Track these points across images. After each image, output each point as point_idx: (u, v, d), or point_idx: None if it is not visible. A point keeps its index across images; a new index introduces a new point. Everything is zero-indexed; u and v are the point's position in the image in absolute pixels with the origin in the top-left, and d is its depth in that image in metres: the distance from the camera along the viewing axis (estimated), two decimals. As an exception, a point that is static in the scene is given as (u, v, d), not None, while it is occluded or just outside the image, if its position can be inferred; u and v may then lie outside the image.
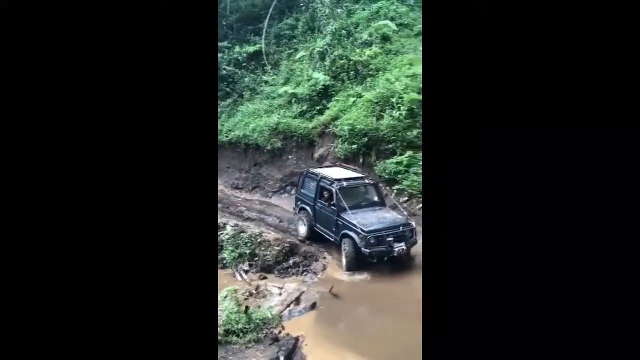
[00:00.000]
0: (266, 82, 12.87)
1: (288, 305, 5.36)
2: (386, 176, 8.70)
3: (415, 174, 8.38)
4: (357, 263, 6.56)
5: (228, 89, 12.93)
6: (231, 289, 5.28)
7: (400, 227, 6.61)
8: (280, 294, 5.76)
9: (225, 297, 4.99)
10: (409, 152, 8.64)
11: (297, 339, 4.54)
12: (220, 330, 4.32)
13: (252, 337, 4.42)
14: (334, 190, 7.09)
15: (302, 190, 8.26)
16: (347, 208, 6.84)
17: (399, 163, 8.63)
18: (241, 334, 4.42)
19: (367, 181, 7.65)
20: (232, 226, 7.80)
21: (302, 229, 7.89)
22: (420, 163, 8.42)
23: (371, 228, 6.46)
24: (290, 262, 7.01)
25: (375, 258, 6.50)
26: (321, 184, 7.57)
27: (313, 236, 7.62)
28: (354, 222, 6.56)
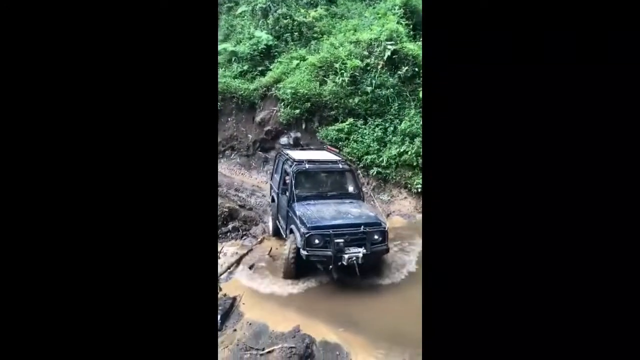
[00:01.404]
0: (204, 37, 12.02)
1: (228, 268, 5.35)
2: (328, 143, 8.78)
3: (355, 141, 8.56)
4: (298, 270, 5.02)
5: (161, 42, 11.87)
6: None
7: (362, 227, 4.88)
8: (219, 257, 5.72)
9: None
10: (350, 120, 8.75)
11: (234, 298, 4.62)
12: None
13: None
14: (290, 173, 5.75)
15: (274, 175, 6.92)
16: (296, 197, 5.52)
17: (340, 130, 8.73)
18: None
19: (339, 166, 5.99)
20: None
21: (269, 224, 6.66)
22: (360, 130, 8.61)
23: (316, 224, 4.91)
24: (230, 226, 6.94)
25: (319, 264, 4.96)
26: (284, 166, 6.17)
27: (279, 232, 6.20)
28: (299, 214, 5.16)
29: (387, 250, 5.22)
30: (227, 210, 7.20)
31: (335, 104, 8.88)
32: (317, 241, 4.86)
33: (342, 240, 4.84)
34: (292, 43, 10.50)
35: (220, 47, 11.05)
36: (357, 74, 8.94)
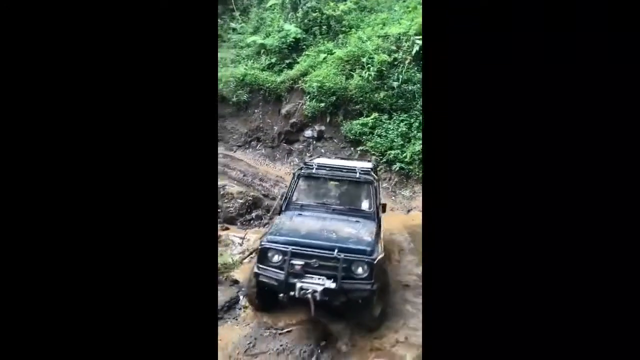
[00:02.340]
0: (234, 29, 12.24)
1: (250, 254, 5.54)
2: (351, 137, 8.83)
3: (379, 136, 8.57)
4: (265, 301, 3.99)
5: (193, 34, 12.17)
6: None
7: (336, 252, 3.60)
8: (241, 244, 5.92)
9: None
10: (375, 114, 8.76)
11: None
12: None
13: (213, 280, 4.57)
14: (294, 175, 4.87)
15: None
16: (292, 204, 4.63)
17: (364, 124, 8.76)
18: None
19: (357, 175, 4.69)
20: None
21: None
22: (385, 125, 8.61)
23: (279, 235, 3.88)
24: (253, 214, 7.13)
25: (270, 290, 3.80)
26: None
27: None
28: (275, 221, 4.37)
29: (372, 293, 3.65)
30: (251, 198, 7.40)
31: (361, 98, 8.90)
32: (274, 258, 3.75)
33: (301, 262, 3.61)
34: (320, 36, 10.55)
35: (249, 39, 11.26)
36: (384, 69, 8.92)
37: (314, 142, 9.43)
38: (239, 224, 6.91)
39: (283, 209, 4.74)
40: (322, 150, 9.23)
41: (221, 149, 10.51)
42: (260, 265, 3.82)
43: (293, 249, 3.72)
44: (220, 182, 7.68)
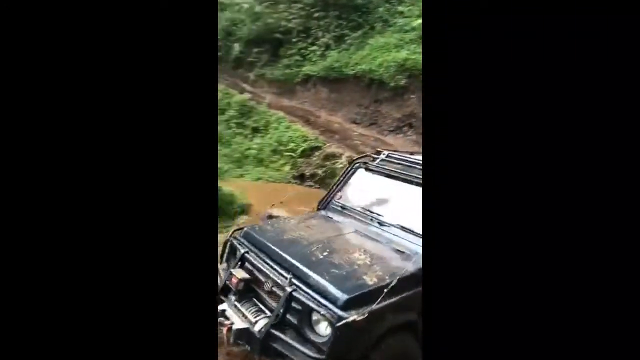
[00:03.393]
0: (401, 12, 12.11)
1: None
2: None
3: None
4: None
5: (360, 20, 12.63)
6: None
7: (290, 277, 2.48)
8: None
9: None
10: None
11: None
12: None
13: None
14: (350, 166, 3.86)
15: None
16: (319, 204, 3.66)
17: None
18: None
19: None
20: (347, 157, 8.44)
21: None
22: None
23: (250, 232, 3.04)
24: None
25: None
26: None
27: None
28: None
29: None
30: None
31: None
32: (231, 259, 2.94)
33: (244, 276, 2.65)
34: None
35: (415, 22, 10.99)
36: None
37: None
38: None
39: (320, 206, 3.65)
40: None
41: (373, 132, 10.81)
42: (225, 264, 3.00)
43: (244, 250, 2.80)
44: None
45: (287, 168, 9.95)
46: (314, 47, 12.00)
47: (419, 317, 2.35)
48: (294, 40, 12.49)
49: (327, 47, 11.86)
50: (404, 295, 2.40)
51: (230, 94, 12.71)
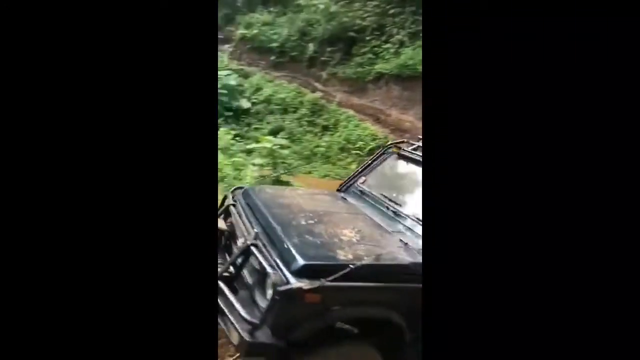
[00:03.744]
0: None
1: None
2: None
3: None
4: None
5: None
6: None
7: (253, 232, 2.37)
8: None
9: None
10: None
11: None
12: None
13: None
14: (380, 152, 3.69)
15: None
16: (351, 186, 3.44)
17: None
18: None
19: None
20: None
21: None
22: None
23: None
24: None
25: None
26: None
27: None
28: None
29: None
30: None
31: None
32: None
33: (223, 227, 2.58)
34: None
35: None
36: None
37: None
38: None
39: (341, 188, 3.46)
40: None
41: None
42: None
43: (238, 207, 2.71)
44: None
45: (354, 166, 9.92)
46: (388, 45, 11.76)
47: (402, 319, 2.02)
48: (367, 38, 12.38)
49: (401, 44, 11.53)
50: (384, 284, 2.04)
51: (303, 93, 13.07)
